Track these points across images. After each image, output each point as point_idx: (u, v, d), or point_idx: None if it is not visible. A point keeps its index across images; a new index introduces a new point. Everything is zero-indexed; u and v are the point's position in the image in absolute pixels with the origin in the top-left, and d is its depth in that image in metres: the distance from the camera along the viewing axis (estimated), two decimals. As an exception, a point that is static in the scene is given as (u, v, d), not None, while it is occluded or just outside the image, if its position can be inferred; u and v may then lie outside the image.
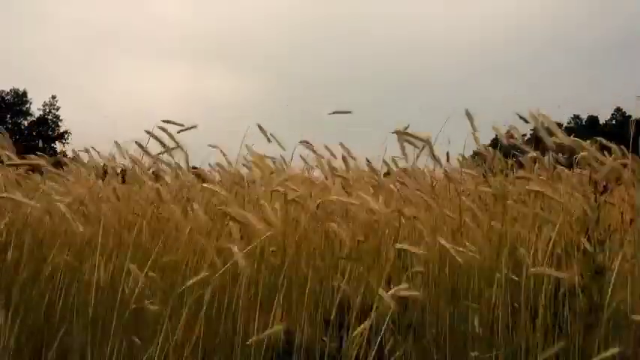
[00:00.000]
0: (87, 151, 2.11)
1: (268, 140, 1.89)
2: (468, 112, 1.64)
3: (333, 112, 1.84)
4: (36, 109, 36.32)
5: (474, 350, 1.47)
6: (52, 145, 35.39)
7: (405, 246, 1.41)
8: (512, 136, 1.66)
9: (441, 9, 68.34)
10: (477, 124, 1.70)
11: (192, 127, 1.84)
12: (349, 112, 1.85)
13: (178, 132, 1.82)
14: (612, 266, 1.41)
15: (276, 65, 62.20)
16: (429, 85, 55.88)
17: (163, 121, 1.82)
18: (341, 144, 1.98)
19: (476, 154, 1.96)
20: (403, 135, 1.54)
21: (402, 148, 1.59)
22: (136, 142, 1.84)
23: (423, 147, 1.56)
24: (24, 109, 35.98)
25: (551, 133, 1.48)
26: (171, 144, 1.82)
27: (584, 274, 1.47)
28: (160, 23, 66.29)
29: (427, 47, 63.10)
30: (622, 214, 1.61)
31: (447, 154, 1.91)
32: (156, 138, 1.81)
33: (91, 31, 58.44)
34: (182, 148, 1.82)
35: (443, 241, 1.38)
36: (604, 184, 1.57)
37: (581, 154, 1.52)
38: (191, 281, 1.36)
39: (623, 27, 59.05)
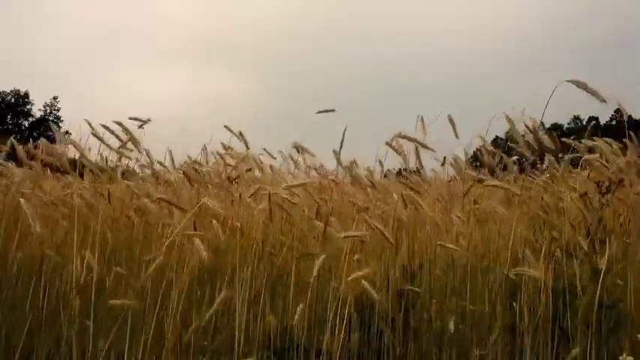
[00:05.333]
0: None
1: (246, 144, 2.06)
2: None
3: (319, 112, 1.98)
4: (37, 109, 36.25)
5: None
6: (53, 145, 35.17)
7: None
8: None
9: (440, 9, 68.33)
10: (476, 124, 1.74)
11: (147, 122, 1.90)
12: (333, 111, 1.98)
13: (139, 127, 1.87)
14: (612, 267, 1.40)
15: (277, 65, 62.21)
16: (428, 85, 55.85)
17: (130, 118, 1.88)
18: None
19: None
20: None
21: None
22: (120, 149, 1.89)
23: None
24: (25, 109, 35.87)
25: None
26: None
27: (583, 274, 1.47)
28: (160, 23, 66.34)
29: (427, 47, 63.08)
30: (619, 215, 1.60)
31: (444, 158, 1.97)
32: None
33: (91, 31, 58.45)
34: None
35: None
36: (607, 184, 1.55)
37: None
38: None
39: (623, 27, 59.03)
